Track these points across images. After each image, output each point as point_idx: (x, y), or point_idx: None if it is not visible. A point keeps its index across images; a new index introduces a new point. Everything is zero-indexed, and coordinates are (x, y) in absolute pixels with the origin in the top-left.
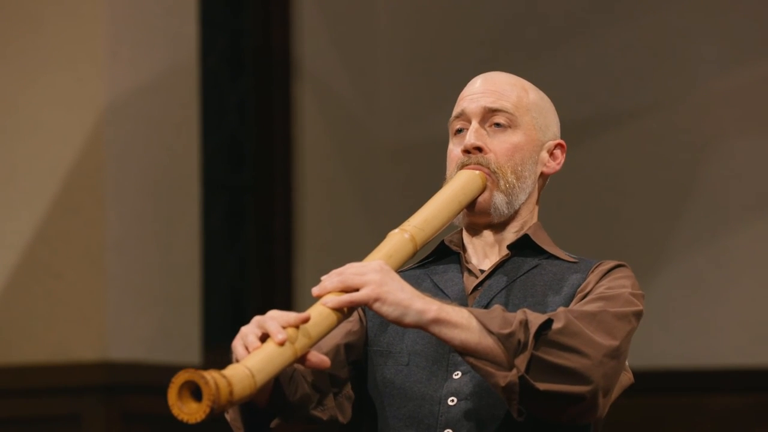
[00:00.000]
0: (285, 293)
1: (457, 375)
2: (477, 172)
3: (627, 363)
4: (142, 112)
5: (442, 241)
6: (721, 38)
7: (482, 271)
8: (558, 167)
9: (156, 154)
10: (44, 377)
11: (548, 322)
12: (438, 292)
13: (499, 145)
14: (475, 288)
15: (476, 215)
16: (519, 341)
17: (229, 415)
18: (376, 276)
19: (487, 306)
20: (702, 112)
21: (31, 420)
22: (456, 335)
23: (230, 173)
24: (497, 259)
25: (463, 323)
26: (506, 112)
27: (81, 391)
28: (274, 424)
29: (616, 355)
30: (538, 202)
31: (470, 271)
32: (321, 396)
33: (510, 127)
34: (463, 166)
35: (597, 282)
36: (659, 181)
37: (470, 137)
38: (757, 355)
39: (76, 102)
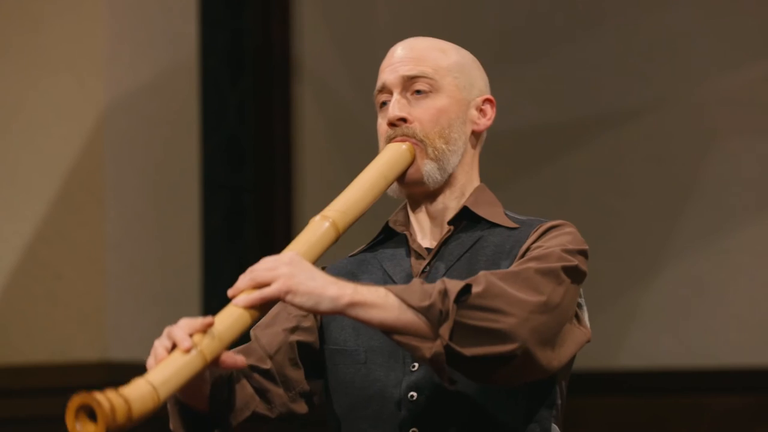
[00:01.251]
0: None
1: (414, 367)
2: (404, 144)
3: (586, 320)
4: (142, 112)
5: (387, 222)
6: (721, 38)
7: (428, 250)
8: (489, 122)
9: (156, 154)
10: (44, 377)
11: (467, 287)
12: (387, 278)
13: (423, 112)
14: (423, 271)
15: (409, 186)
16: (440, 311)
17: (172, 425)
18: (286, 269)
19: None
20: (702, 112)
21: (31, 420)
22: (374, 315)
23: (230, 173)
24: (440, 235)
25: (379, 302)
26: (425, 77)
27: (81, 391)
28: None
29: (545, 309)
30: (476, 160)
31: (417, 253)
32: (267, 395)
33: (432, 91)
34: (390, 139)
35: (533, 243)
36: (660, 181)
37: (393, 109)
38: (757, 355)
39: (76, 102)
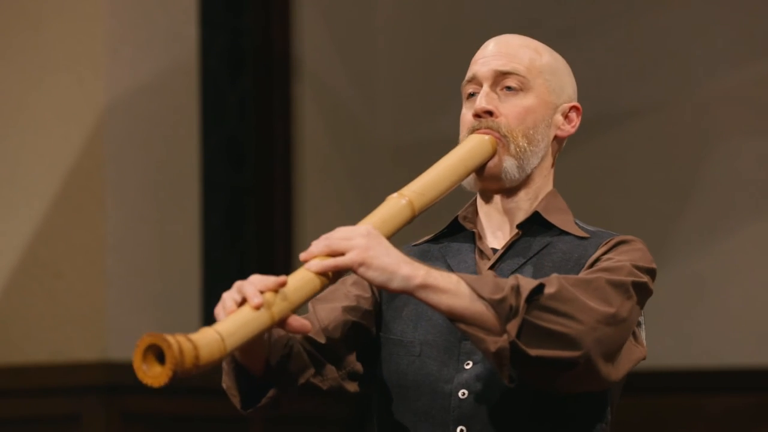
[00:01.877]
0: None
1: (468, 365)
2: (487, 136)
3: (643, 338)
4: (142, 112)
5: (456, 218)
6: (721, 38)
7: (494, 251)
8: (573, 130)
9: (156, 154)
10: (44, 377)
11: (540, 287)
12: (449, 272)
13: (511, 109)
14: (488, 269)
15: (487, 180)
16: (510, 306)
17: (225, 383)
18: (362, 240)
19: None
20: (702, 111)
21: (31, 420)
22: (444, 300)
23: (230, 173)
24: (509, 236)
25: (451, 288)
26: (517, 74)
27: (81, 391)
28: (271, 394)
29: (612, 322)
30: (553, 165)
31: (482, 252)
32: (320, 366)
33: (522, 90)
34: (473, 130)
35: (603, 254)
36: (659, 181)
37: (480, 101)
38: (757, 355)
39: (76, 102)
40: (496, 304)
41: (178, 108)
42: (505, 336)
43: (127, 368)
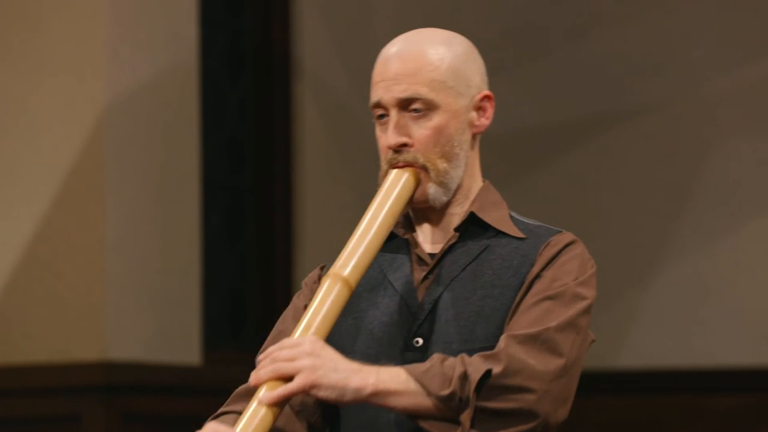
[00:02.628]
0: (285, 293)
1: None
2: (407, 173)
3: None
4: (142, 112)
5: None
6: (721, 38)
7: (431, 256)
8: (488, 121)
9: (156, 155)
10: (44, 377)
11: (488, 373)
12: (387, 284)
13: (423, 133)
14: (425, 278)
15: (415, 205)
16: (460, 399)
17: None
18: (308, 361)
19: (438, 299)
20: (702, 112)
21: (31, 420)
22: (398, 402)
23: (230, 173)
24: (445, 239)
25: (400, 389)
26: (421, 99)
27: (81, 391)
28: None
29: (565, 372)
30: (477, 159)
31: (420, 258)
32: None
33: (429, 110)
34: (391, 164)
35: (542, 269)
36: (659, 181)
37: (392, 135)
38: (757, 355)
39: (76, 102)
40: (446, 400)
41: (178, 108)
42: (460, 429)
43: (127, 368)
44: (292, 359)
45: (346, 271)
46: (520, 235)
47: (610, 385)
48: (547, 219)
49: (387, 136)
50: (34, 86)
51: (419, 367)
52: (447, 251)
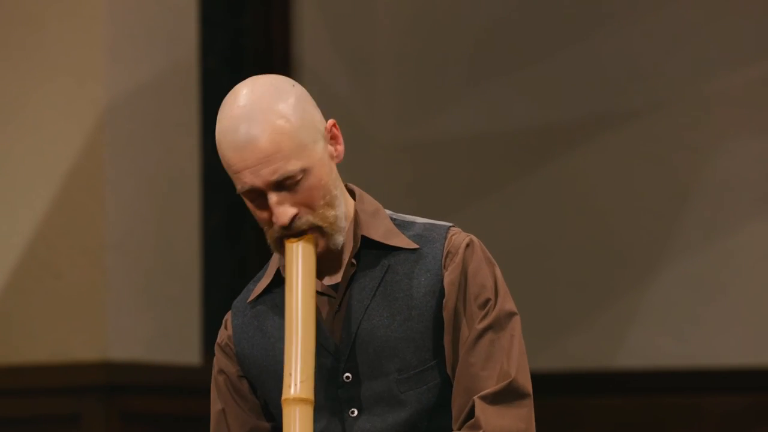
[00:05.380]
0: None
1: (353, 413)
2: (305, 243)
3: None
4: (142, 112)
5: (278, 268)
6: (720, 38)
7: (332, 287)
8: (342, 146)
9: (156, 155)
10: (44, 377)
11: None
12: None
13: (304, 196)
14: (336, 311)
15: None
16: None
17: None
18: None
19: (357, 333)
20: (702, 112)
21: (31, 420)
22: None
23: None
24: (339, 268)
25: None
26: (290, 175)
27: (81, 391)
28: None
29: (532, 401)
30: (340, 181)
31: (320, 293)
32: None
33: (301, 177)
34: (283, 237)
35: (459, 290)
36: (659, 181)
37: (280, 215)
38: (757, 355)
39: (76, 102)
40: None
41: (178, 108)
42: None
43: (127, 368)
44: None
45: (304, 392)
46: (413, 245)
47: (610, 385)
48: (547, 219)
49: (275, 216)
50: (34, 86)
51: None
52: (350, 281)
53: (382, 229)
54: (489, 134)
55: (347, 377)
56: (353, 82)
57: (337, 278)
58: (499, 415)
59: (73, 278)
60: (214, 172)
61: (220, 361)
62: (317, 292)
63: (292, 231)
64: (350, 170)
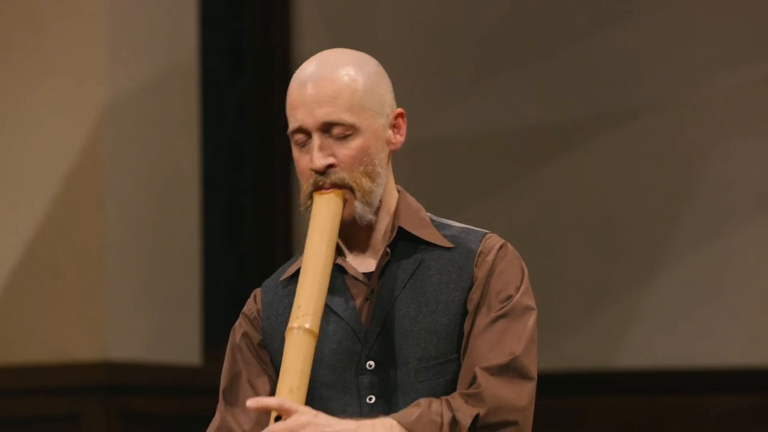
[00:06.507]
0: None
1: (371, 399)
2: (335, 197)
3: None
4: (142, 112)
5: None
6: (720, 38)
7: (366, 275)
8: (403, 138)
9: (156, 154)
10: (44, 377)
11: (476, 418)
12: (329, 312)
13: (347, 154)
14: (366, 298)
15: (342, 225)
16: None
17: None
18: (307, 431)
19: (384, 320)
20: (702, 112)
21: (31, 420)
22: None
23: (230, 173)
24: (375, 257)
25: None
26: (344, 124)
27: (81, 391)
28: None
29: (534, 388)
30: (391, 172)
31: (354, 279)
32: None
33: (351, 133)
34: (317, 185)
35: (485, 284)
36: (659, 182)
37: (317, 158)
38: (757, 355)
39: (76, 102)
40: None
41: (178, 108)
42: None
43: (127, 368)
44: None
45: (309, 323)
46: (449, 244)
47: (610, 385)
48: (547, 219)
49: (312, 159)
50: (34, 86)
51: (409, 416)
52: (383, 270)
53: (420, 224)
54: (489, 134)
55: (370, 365)
56: None
57: (371, 266)
58: (499, 385)
59: (73, 278)
60: (214, 172)
61: (244, 327)
62: (353, 278)
63: (323, 182)
64: None
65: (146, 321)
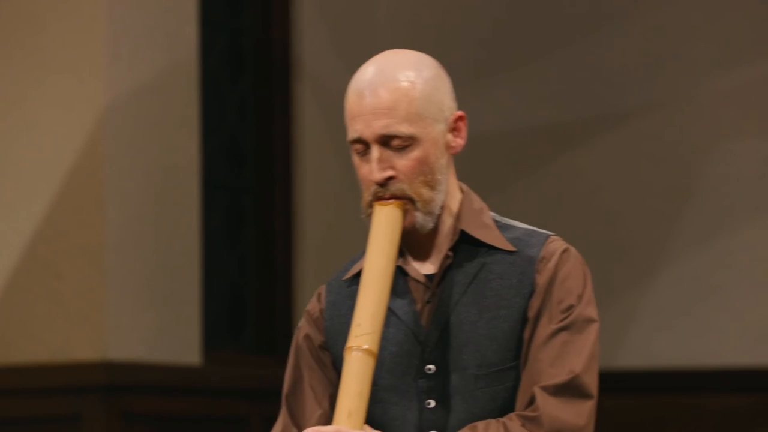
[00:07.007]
0: (285, 293)
1: (430, 404)
2: (395, 208)
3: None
4: (142, 112)
5: None
6: (720, 38)
7: (428, 278)
8: (463, 141)
9: (156, 154)
10: (44, 377)
11: None
12: (390, 314)
13: (406, 164)
14: (428, 301)
15: (404, 234)
16: None
17: None
18: None
19: (445, 325)
20: (702, 112)
21: (31, 420)
22: None
23: (230, 173)
24: (437, 259)
25: None
26: (401, 136)
27: (81, 391)
28: None
29: (594, 408)
30: (453, 172)
31: (416, 281)
32: None
33: (410, 144)
34: (377, 197)
35: (546, 292)
36: (659, 182)
37: (376, 171)
38: (757, 355)
39: (76, 102)
40: None
41: (178, 108)
42: None
43: (127, 368)
44: None
45: (368, 344)
46: (511, 248)
47: (610, 385)
48: (547, 219)
49: (372, 172)
50: (34, 86)
51: None
52: (444, 273)
53: (483, 227)
54: (489, 134)
55: (429, 369)
56: None
57: (433, 269)
58: (558, 406)
59: (73, 278)
60: (214, 172)
61: (307, 329)
62: (414, 280)
63: (384, 193)
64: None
65: (146, 321)
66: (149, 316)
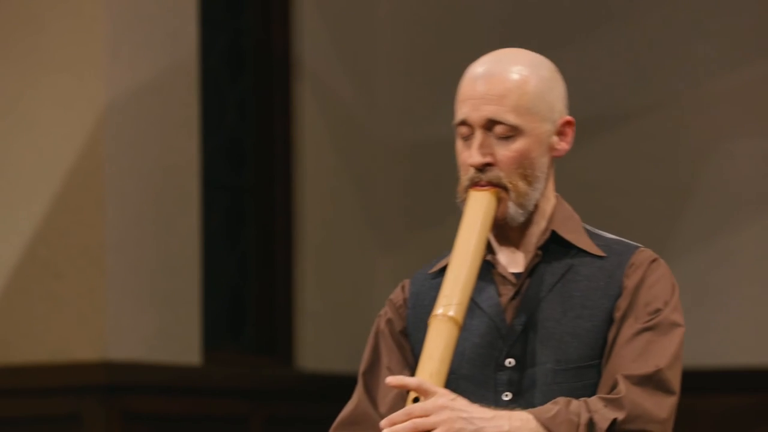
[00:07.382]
0: (285, 293)
1: (507, 396)
2: (490, 195)
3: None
4: (142, 112)
5: None
6: (721, 38)
7: (515, 275)
8: (568, 146)
9: (156, 154)
10: (44, 377)
11: (613, 422)
12: (475, 307)
13: (506, 154)
14: (513, 298)
15: (495, 225)
16: None
17: None
18: (444, 415)
19: (528, 320)
20: (702, 112)
21: (31, 420)
22: None
23: (230, 173)
24: (527, 259)
25: None
26: (507, 124)
27: (81, 391)
28: None
29: (675, 403)
30: (552, 178)
31: (503, 277)
32: None
33: (514, 135)
34: (474, 182)
35: (633, 294)
36: (659, 181)
37: (476, 154)
38: (758, 355)
39: (76, 102)
40: None
41: (178, 108)
42: None
43: (127, 368)
44: (427, 414)
45: (453, 311)
46: (601, 253)
47: None
48: None
49: (471, 155)
50: (34, 85)
51: (546, 412)
52: (531, 271)
53: (574, 231)
54: None
55: (509, 362)
56: (353, 82)
57: (521, 266)
58: (641, 395)
59: (73, 278)
60: (214, 172)
61: (389, 314)
62: (501, 275)
63: (480, 179)
64: (350, 170)
65: (146, 321)
66: (149, 316)
